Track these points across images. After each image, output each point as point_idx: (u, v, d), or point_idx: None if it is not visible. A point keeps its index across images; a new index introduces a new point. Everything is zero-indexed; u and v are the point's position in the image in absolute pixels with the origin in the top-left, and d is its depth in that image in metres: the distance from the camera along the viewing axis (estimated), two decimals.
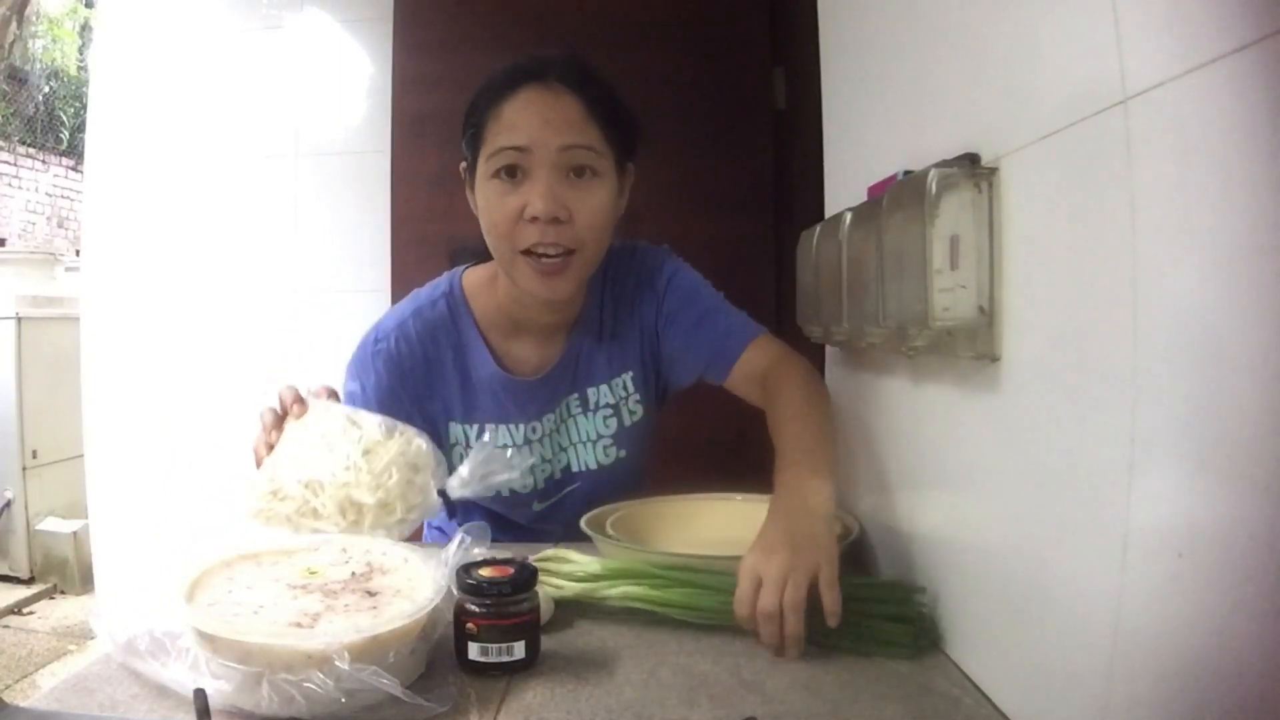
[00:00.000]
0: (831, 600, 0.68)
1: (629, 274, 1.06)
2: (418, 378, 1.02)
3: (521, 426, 1.04)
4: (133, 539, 2.17)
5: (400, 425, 0.85)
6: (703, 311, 1.05)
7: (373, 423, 0.84)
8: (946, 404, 0.74)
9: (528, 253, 0.92)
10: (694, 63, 1.90)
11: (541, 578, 0.75)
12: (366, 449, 0.81)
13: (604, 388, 1.06)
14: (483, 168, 0.93)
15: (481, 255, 1.05)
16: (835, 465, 0.86)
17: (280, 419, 0.86)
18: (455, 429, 1.04)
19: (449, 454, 1.06)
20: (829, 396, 0.98)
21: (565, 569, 0.80)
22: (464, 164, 0.99)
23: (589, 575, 0.79)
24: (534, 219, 0.90)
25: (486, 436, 0.99)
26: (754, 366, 1.01)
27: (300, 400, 0.86)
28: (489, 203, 0.93)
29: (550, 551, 0.83)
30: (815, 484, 0.79)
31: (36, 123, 6.52)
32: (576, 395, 1.06)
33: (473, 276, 1.06)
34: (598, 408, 1.06)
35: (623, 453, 1.08)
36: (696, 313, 1.04)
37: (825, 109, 1.14)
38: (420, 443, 0.85)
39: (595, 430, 1.07)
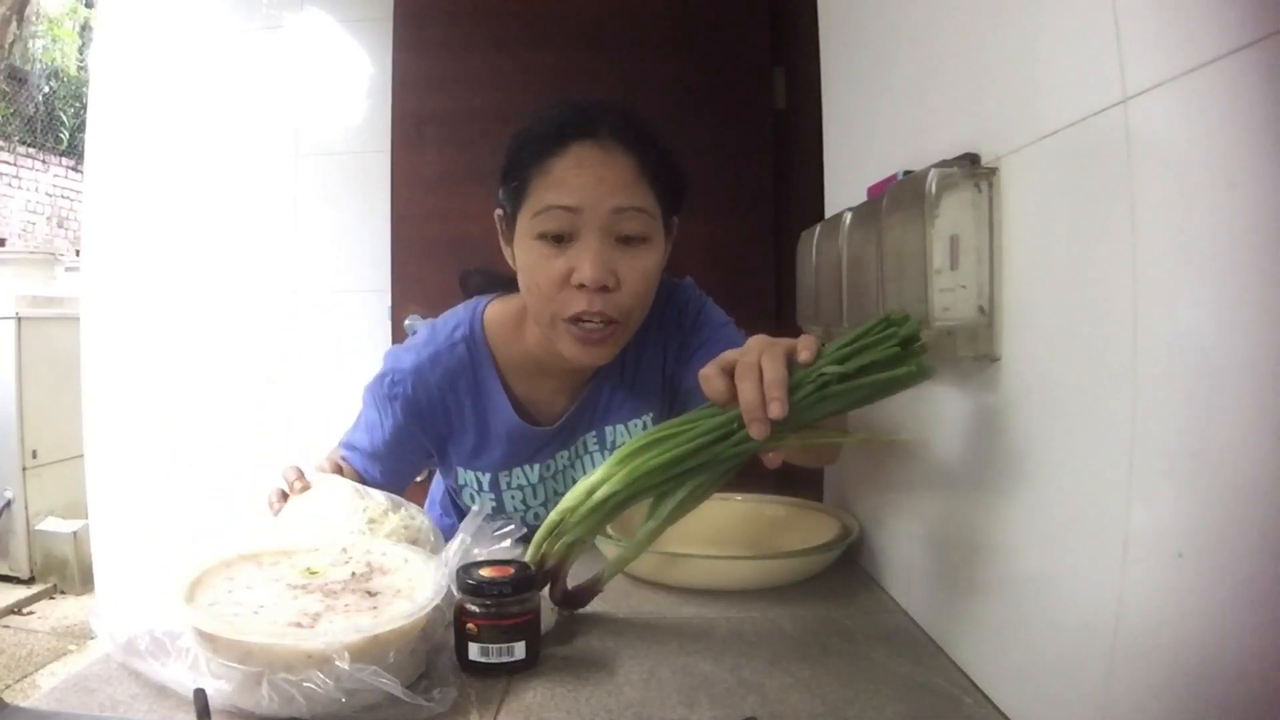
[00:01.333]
0: (805, 346, 0.64)
1: (654, 313, 1.00)
2: (435, 421, 1.00)
3: (536, 467, 1.03)
4: (133, 539, 2.17)
5: (405, 503, 0.87)
6: (726, 347, 1.03)
7: (379, 497, 0.86)
8: (946, 404, 0.74)
9: (571, 319, 0.87)
10: (694, 63, 1.90)
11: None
12: (371, 519, 0.83)
13: (621, 427, 1.04)
14: (526, 225, 0.88)
15: (493, 278, 1.03)
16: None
17: (286, 498, 0.87)
18: (466, 474, 1.03)
19: (459, 493, 1.05)
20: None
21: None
22: (499, 213, 0.95)
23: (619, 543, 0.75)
24: (581, 286, 0.85)
25: (476, 506, 0.91)
26: None
27: (302, 477, 0.87)
28: (532, 264, 0.88)
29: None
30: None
31: (36, 123, 6.52)
32: (594, 433, 1.04)
33: (496, 314, 1.01)
34: (614, 447, 1.04)
35: None
36: (720, 349, 1.02)
37: (825, 109, 1.14)
38: (423, 519, 0.87)
39: None
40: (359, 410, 1.03)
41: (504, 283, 1.00)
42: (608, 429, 1.04)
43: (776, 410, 0.61)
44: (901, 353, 0.63)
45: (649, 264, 0.89)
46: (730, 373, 0.65)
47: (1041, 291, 0.57)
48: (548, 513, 1.04)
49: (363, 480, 0.98)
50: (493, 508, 1.03)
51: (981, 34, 0.66)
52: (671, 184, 0.92)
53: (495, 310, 1.02)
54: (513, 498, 1.03)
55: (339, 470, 0.98)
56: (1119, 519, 0.47)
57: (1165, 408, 0.44)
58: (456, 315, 1.03)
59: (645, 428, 1.04)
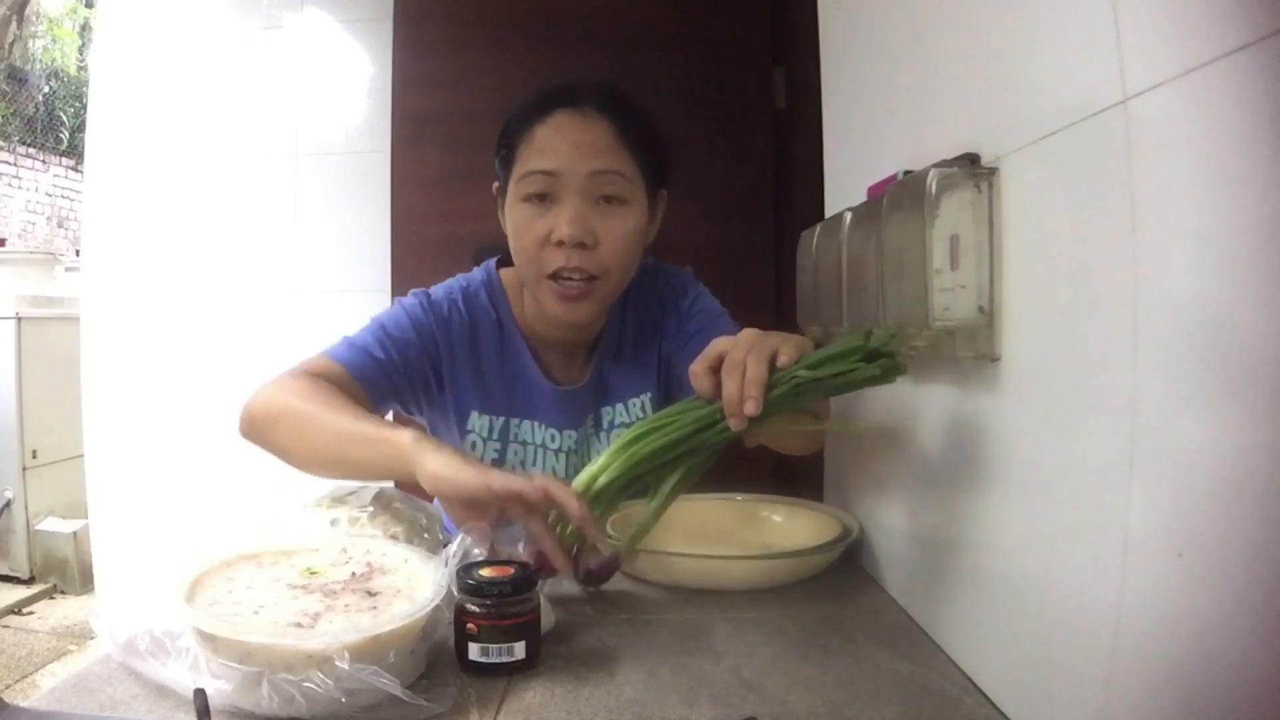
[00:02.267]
0: (788, 350, 0.70)
1: (652, 296, 1.05)
2: (454, 353, 1.00)
3: (541, 430, 1.03)
4: (133, 539, 2.17)
5: (427, 506, 0.90)
6: (721, 334, 1.03)
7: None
8: (946, 404, 0.74)
9: (553, 276, 0.92)
10: (694, 63, 1.90)
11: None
12: (386, 504, 0.86)
13: (620, 406, 1.05)
14: (513, 190, 0.94)
15: (506, 253, 1.04)
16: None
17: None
18: (477, 420, 1.02)
19: (463, 442, 1.03)
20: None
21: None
22: (496, 184, 1.00)
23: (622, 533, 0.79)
24: (560, 243, 0.90)
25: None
26: None
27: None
28: (517, 226, 0.93)
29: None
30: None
31: (36, 123, 6.51)
32: (592, 415, 1.05)
33: (509, 276, 1.05)
34: (612, 427, 1.06)
35: None
36: (715, 334, 1.03)
37: (825, 109, 1.14)
38: (433, 508, 0.90)
39: None
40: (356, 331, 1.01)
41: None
42: (605, 409, 1.06)
43: (751, 409, 0.68)
44: (867, 365, 0.70)
45: (628, 226, 0.93)
46: (717, 369, 0.72)
47: (1041, 291, 0.57)
48: None
49: (351, 381, 0.94)
50: (494, 460, 1.02)
51: (981, 34, 0.66)
52: (654, 154, 0.95)
53: (509, 272, 1.05)
54: (516, 452, 1.03)
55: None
56: (1119, 519, 0.47)
57: (1165, 407, 0.44)
58: (470, 273, 1.07)
59: (644, 407, 1.07)
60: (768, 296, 1.85)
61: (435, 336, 0.99)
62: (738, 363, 0.70)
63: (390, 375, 0.96)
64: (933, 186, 0.64)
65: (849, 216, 0.88)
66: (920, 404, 0.80)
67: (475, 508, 0.73)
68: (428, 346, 0.99)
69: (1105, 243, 0.48)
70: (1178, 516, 0.43)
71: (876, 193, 0.83)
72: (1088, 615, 0.50)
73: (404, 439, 0.79)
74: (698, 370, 0.72)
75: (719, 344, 0.73)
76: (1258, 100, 0.38)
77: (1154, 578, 0.45)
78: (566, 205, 0.90)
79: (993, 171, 0.63)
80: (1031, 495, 0.58)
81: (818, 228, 1.01)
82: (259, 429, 0.91)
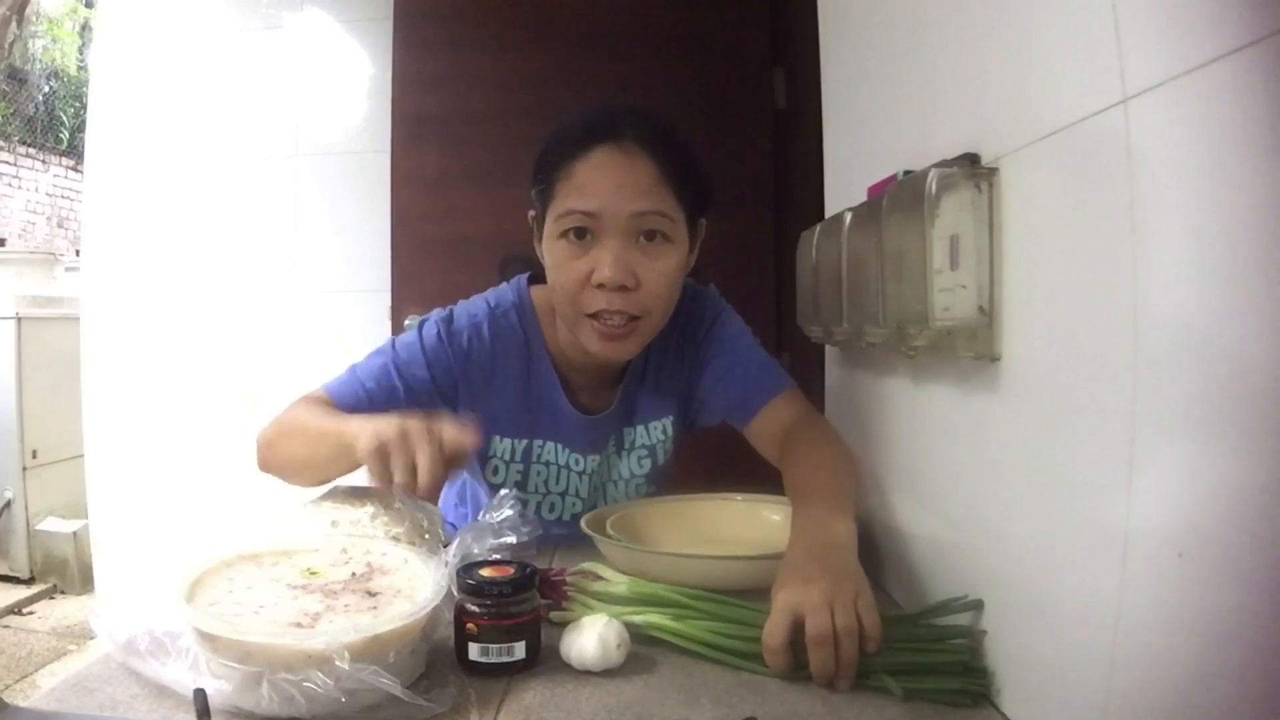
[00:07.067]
0: (872, 624, 0.64)
1: (676, 318, 1.02)
2: (472, 383, 0.99)
3: (565, 452, 1.03)
4: (133, 539, 2.18)
5: (427, 506, 0.91)
6: (735, 359, 1.04)
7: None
8: (946, 404, 0.74)
9: (593, 315, 0.90)
10: (694, 63, 1.90)
11: (572, 594, 0.75)
12: (387, 505, 0.87)
13: (641, 429, 1.06)
14: (551, 226, 0.92)
15: (534, 266, 1.04)
16: (855, 508, 0.84)
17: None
18: (501, 444, 1.02)
19: (484, 466, 1.03)
20: (855, 460, 0.95)
21: (594, 588, 0.77)
22: (532, 214, 0.98)
23: (616, 597, 0.75)
24: (601, 285, 0.88)
25: (499, 495, 0.88)
26: (774, 423, 0.99)
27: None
28: (557, 263, 0.92)
29: (586, 565, 0.80)
30: (837, 517, 0.78)
31: (36, 123, 6.51)
32: (614, 436, 1.05)
33: (541, 295, 1.02)
34: (633, 448, 1.06)
35: (652, 488, 1.09)
36: (729, 360, 1.04)
37: (825, 109, 1.14)
38: (434, 508, 0.91)
39: (630, 470, 1.07)
40: (366, 359, 0.99)
41: (543, 270, 1.00)
42: (626, 430, 1.06)
43: (844, 687, 0.64)
44: (959, 690, 0.63)
45: (669, 265, 0.91)
46: (793, 628, 0.65)
47: (1041, 291, 0.57)
48: (565, 506, 1.05)
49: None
50: (516, 482, 1.02)
51: (982, 34, 0.66)
52: (694, 187, 0.93)
53: (541, 291, 1.03)
54: (539, 473, 1.03)
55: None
56: (1119, 519, 0.47)
57: (1165, 407, 0.44)
58: (501, 290, 1.05)
59: (665, 430, 1.07)
60: (768, 296, 1.85)
61: (450, 369, 0.97)
62: (826, 635, 0.64)
63: (381, 409, 0.93)
64: (933, 186, 0.64)
65: (849, 216, 0.88)
66: (920, 404, 0.80)
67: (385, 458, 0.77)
68: (440, 381, 0.97)
69: (1105, 243, 0.48)
70: (1178, 516, 0.43)
71: (876, 193, 0.83)
72: (1088, 615, 0.50)
73: (349, 429, 0.83)
74: (773, 635, 0.65)
75: (789, 604, 0.66)
76: (1258, 100, 0.38)
77: (1154, 578, 0.45)
78: (607, 247, 0.88)
79: (993, 171, 0.63)
80: (1031, 495, 0.58)
81: (818, 228, 1.01)
82: (265, 460, 0.96)
